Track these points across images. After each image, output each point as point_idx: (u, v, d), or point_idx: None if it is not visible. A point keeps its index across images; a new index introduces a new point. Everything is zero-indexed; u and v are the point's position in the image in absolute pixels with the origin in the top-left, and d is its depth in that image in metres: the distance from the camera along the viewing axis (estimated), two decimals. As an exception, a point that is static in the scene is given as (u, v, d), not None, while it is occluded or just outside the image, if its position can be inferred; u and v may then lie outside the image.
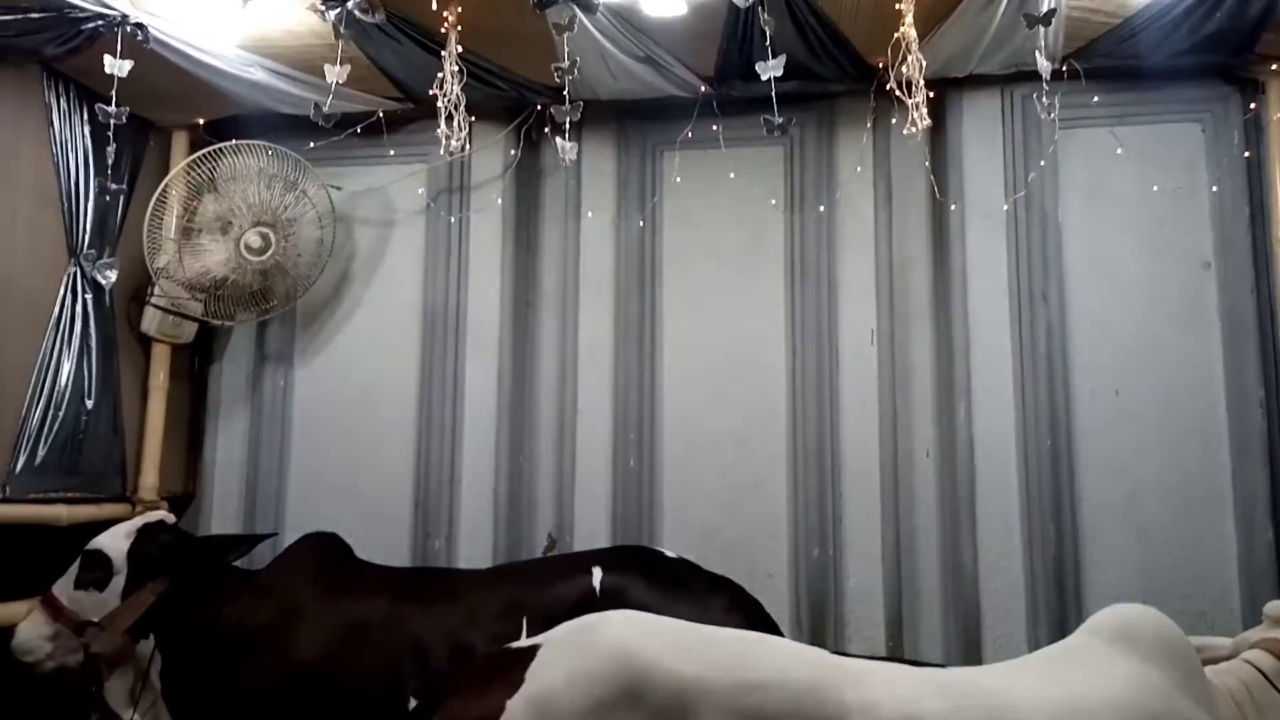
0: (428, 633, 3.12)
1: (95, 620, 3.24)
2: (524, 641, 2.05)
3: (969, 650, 3.68)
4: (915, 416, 3.91)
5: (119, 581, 3.27)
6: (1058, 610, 3.66)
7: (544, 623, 2.85)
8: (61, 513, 3.56)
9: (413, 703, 2.99)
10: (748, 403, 4.02)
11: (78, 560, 3.34)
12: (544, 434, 4.13)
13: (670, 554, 3.46)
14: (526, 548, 4.02)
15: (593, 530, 3.98)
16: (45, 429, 3.46)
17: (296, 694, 3.13)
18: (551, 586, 3.20)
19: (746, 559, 3.88)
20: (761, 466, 3.98)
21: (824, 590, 3.85)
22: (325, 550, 3.52)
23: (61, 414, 3.51)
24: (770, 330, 4.03)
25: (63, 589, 3.29)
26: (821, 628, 3.78)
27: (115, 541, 3.34)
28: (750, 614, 3.17)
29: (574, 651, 1.91)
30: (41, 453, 3.45)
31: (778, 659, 1.96)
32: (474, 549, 4.02)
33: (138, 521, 3.44)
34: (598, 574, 3.20)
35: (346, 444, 4.17)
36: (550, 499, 4.08)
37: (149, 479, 3.93)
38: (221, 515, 4.21)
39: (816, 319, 3.99)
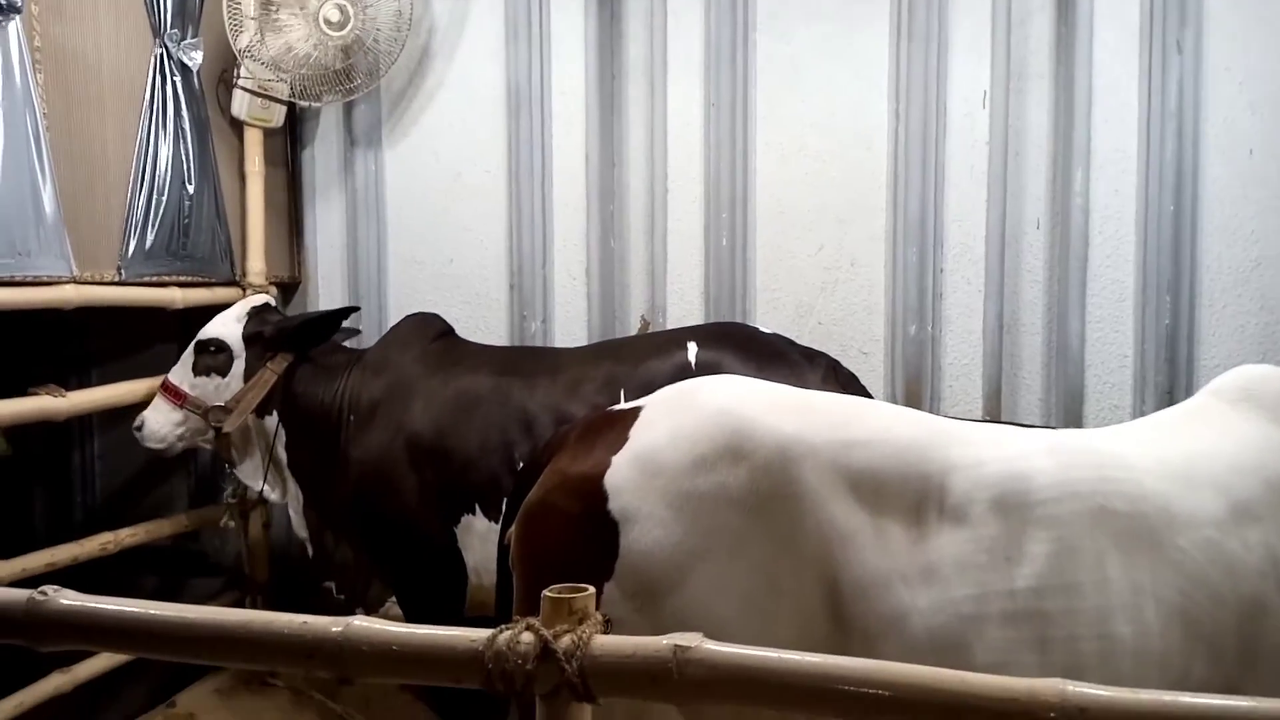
0: (532, 404, 3.24)
1: (220, 404, 3.42)
2: (626, 404, 2.07)
3: (1070, 424, 3.63)
4: (1027, 185, 3.69)
5: (239, 365, 3.43)
6: (1167, 383, 3.56)
7: (640, 396, 2.90)
8: (176, 296, 3.70)
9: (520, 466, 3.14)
10: (846, 176, 3.85)
11: (191, 348, 3.48)
12: (634, 215, 4.05)
13: (765, 329, 3.46)
14: (620, 329, 4.05)
15: (685, 311, 3.97)
16: (151, 213, 3.53)
17: (412, 460, 3.31)
18: (647, 361, 3.25)
19: (840, 337, 3.84)
20: (859, 243, 3.86)
21: (920, 367, 3.80)
22: (429, 329, 3.63)
23: (165, 198, 3.57)
24: (872, 97, 3.79)
25: (182, 377, 3.45)
26: (917, 404, 3.75)
27: (228, 327, 3.47)
28: (846, 385, 3.17)
29: (676, 410, 1.92)
30: (150, 237, 3.54)
31: (881, 418, 1.95)
32: (569, 331, 4.07)
33: (242, 306, 3.56)
34: (693, 348, 3.23)
35: (440, 227, 4.18)
36: (642, 280, 4.06)
37: (255, 264, 4.03)
38: (328, 299, 4.32)
39: (924, 81, 3.73)
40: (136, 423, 3.47)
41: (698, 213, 3.96)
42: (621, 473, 1.82)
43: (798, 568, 1.75)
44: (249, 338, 3.47)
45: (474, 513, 3.24)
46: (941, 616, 1.72)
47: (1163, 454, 1.91)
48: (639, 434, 1.88)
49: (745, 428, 1.82)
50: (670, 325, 3.93)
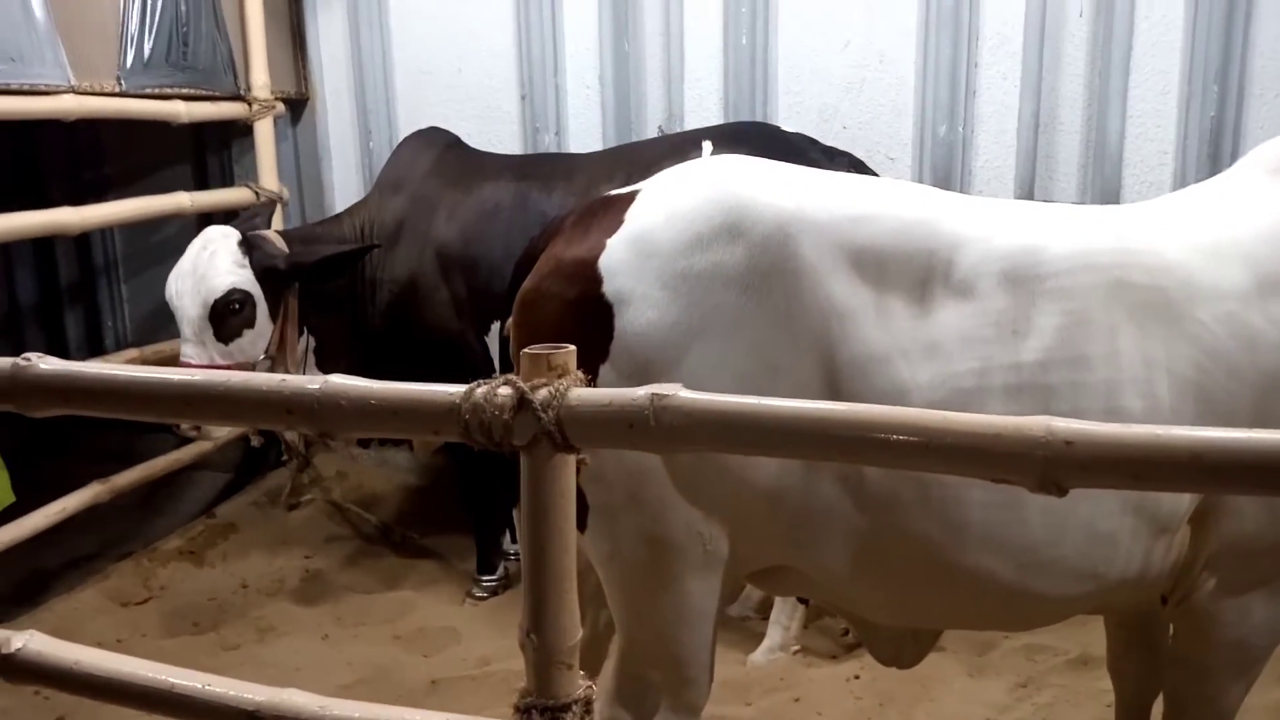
0: (551, 207, 3.18)
1: (262, 355, 3.15)
2: (624, 189, 1.99)
3: (1104, 225, 3.50)
4: (1071, -35, 3.43)
5: (263, 308, 3.15)
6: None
7: (654, 196, 2.83)
8: (180, 109, 3.62)
9: None
10: (875, -37, 3.59)
11: (198, 319, 3.10)
12: (649, 14, 3.84)
13: (786, 128, 3.32)
14: (637, 138, 3.90)
15: (703, 120, 3.80)
16: (146, 20, 3.40)
17: (442, 270, 3.29)
18: (663, 161, 3.13)
19: (865, 142, 3.68)
20: (888, 38, 3.63)
21: (950, 171, 3.65)
22: (437, 141, 3.54)
23: (159, 5, 3.44)
24: None
25: (209, 353, 3.11)
26: (945, 210, 3.62)
27: (235, 274, 3.11)
28: (868, 185, 3.06)
29: (673, 191, 1.84)
30: (148, 47, 3.43)
31: (885, 193, 1.85)
32: (584, 143, 3.94)
33: (222, 243, 3.16)
34: (708, 148, 3.12)
35: (447, 34, 4.01)
36: (659, 87, 3.88)
37: (259, 77, 3.92)
38: (336, 116, 4.23)
39: None
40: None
41: (716, 9, 3.74)
42: (616, 254, 1.76)
43: (795, 346, 1.70)
44: (262, 276, 3.13)
45: (504, 320, 3.23)
46: (942, 391, 1.68)
47: (1190, 225, 1.81)
48: (635, 216, 1.81)
49: (743, 205, 1.74)
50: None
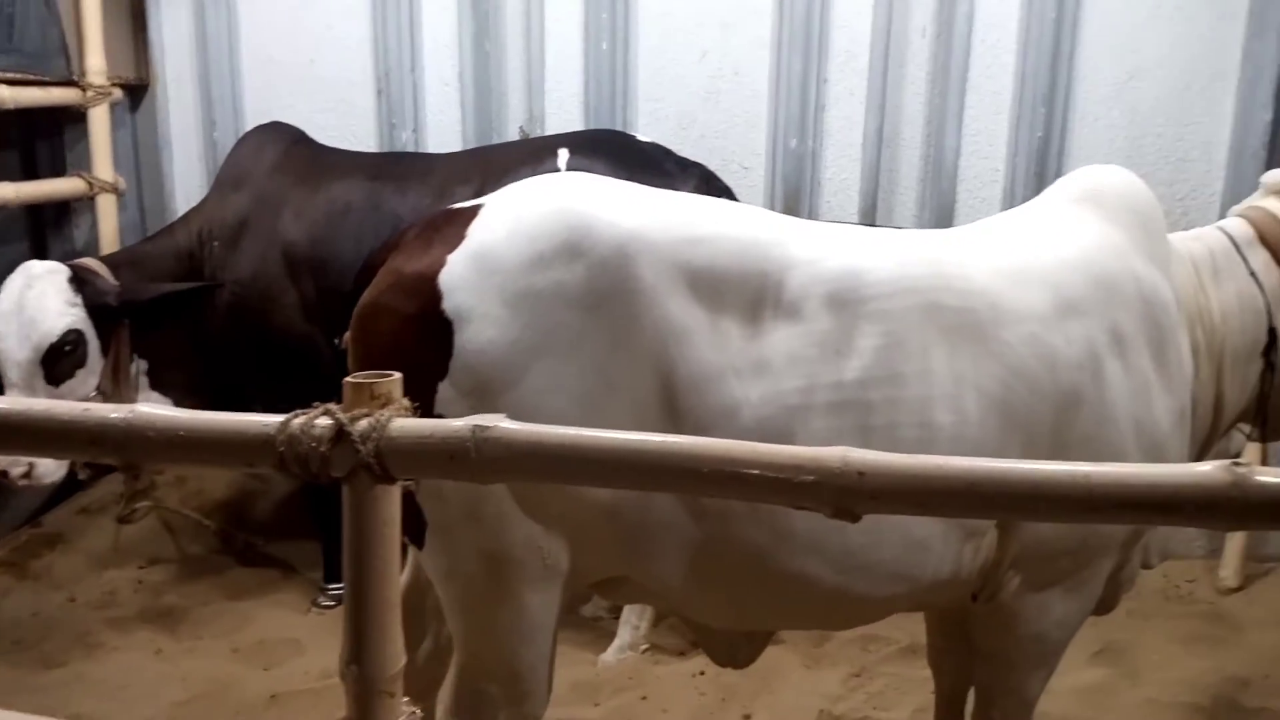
0: (405, 210, 3.14)
1: (92, 392, 3.04)
2: (467, 202, 1.99)
3: (941, 238, 3.68)
4: (913, -12, 3.59)
5: (95, 345, 3.04)
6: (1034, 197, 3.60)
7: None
8: (4, 94, 3.39)
9: None
10: (731, -24, 3.67)
11: (28, 361, 2.94)
12: (510, 13, 3.82)
13: (642, 137, 3.36)
14: (497, 139, 3.87)
15: (564, 122, 3.82)
16: (-38, -2, 3.17)
17: (290, 272, 3.19)
18: (519, 168, 3.14)
19: (722, 151, 3.76)
20: (743, 50, 3.72)
21: (799, 182, 3.77)
22: (282, 136, 3.42)
23: (-22, -18, 3.21)
24: (758, -110, 3.58)
25: (38, 397, 2.90)
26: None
27: (67, 315, 2.98)
28: (719, 198, 3.12)
29: (515, 208, 1.85)
30: (-36, 26, 3.20)
31: (722, 216, 1.90)
32: (443, 141, 3.89)
33: (48, 282, 3.00)
34: (564, 155, 3.13)
35: (298, 23, 3.88)
36: (520, 88, 3.87)
37: (95, 61, 3.70)
38: (179, 104, 4.03)
39: (810, -127, 3.53)
40: (20, 470, 2.95)
41: (577, 13, 3.75)
42: (457, 271, 1.75)
43: (633, 364, 1.74)
44: (94, 312, 3.02)
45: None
46: (770, 408, 1.75)
47: (999, 251, 1.94)
48: (477, 231, 1.80)
49: (584, 225, 1.76)
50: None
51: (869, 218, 3.73)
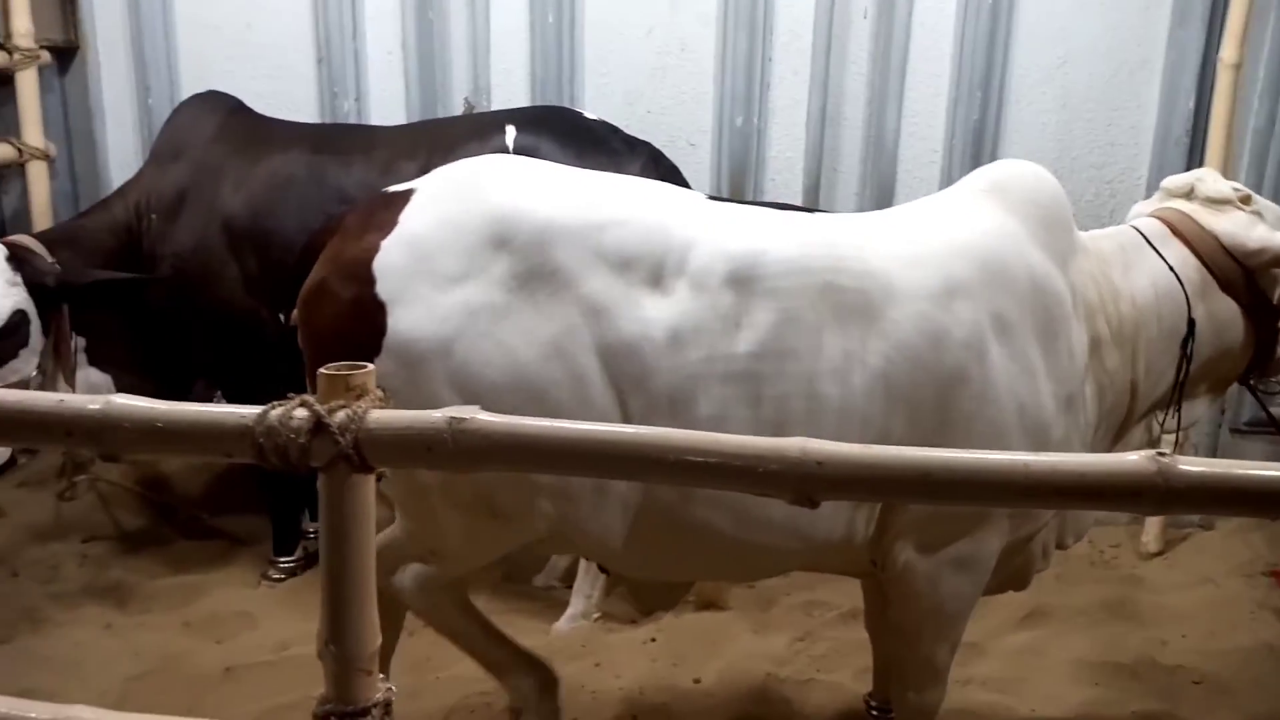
0: (349, 183, 3.12)
1: (33, 371, 3.02)
2: (400, 186, 2.07)
3: (880, 216, 3.78)
4: (855, -30, 3.65)
5: (36, 325, 3.00)
6: (971, 178, 3.72)
7: (458, 178, 2.83)
8: (-77, 57, 3.26)
9: None
10: (678, -50, 3.69)
11: None
12: (455, -17, 3.78)
13: (590, 115, 3.37)
14: (443, 111, 3.85)
15: (510, 94, 3.81)
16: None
17: (231, 245, 3.15)
18: (466, 144, 3.14)
19: (668, 128, 3.79)
20: (690, 27, 3.75)
21: (745, 160, 3.83)
22: (219, 105, 3.36)
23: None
24: None
25: None
26: (740, 196, 3.80)
27: (9, 296, 2.93)
28: (666, 176, 3.16)
29: (442, 197, 1.98)
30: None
31: (633, 199, 2.03)
32: (387, 112, 3.85)
33: None
34: (511, 133, 3.14)
35: (236, -13, 3.80)
36: (464, 59, 3.84)
37: (21, 23, 3.58)
38: (110, 68, 3.92)
39: None
40: None
41: (522, -18, 3.74)
42: (389, 257, 1.90)
43: (565, 336, 1.87)
44: (35, 292, 2.98)
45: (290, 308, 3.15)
46: (677, 377, 1.88)
47: (898, 236, 2.05)
48: (408, 219, 1.94)
49: (505, 214, 1.91)
50: (496, 109, 3.78)
51: (812, 195, 3.82)
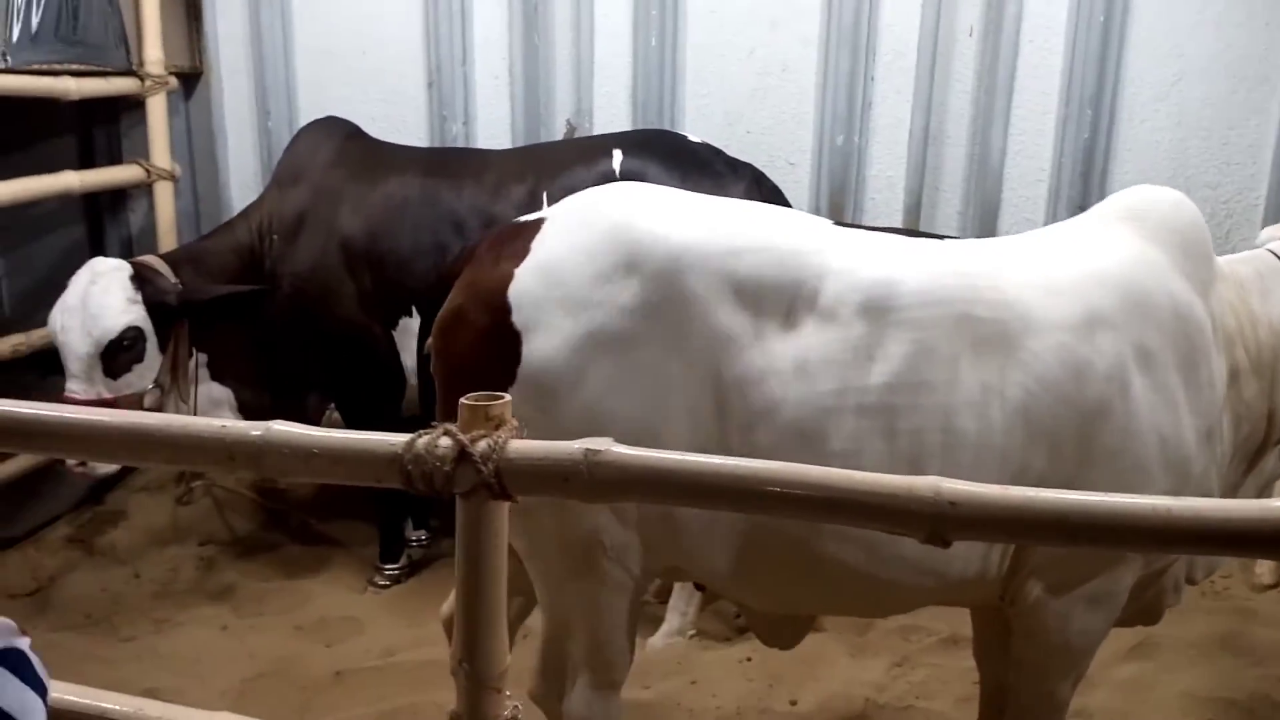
0: (460, 206, 3.22)
1: (150, 386, 3.16)
2: (531, 215, 2.11)
3: (985, 236, 3.73)
4: (963, -9, 3.61)
5: (153, 343, 3.15)
6: (1080, 198, 3.64)
7: (565, 201, 2.91)
8: (70, 86, 3.48)
9: None
10: (780, -27, 3.71)
11: (87, 354, 3.05)
12: (559, 9, 3.87)
13: (693, 138, 3.42)
14: (545, 134, 3.94)
15: (612, 117, 3.88)
16: (35, -7, 3.26)
17: (348, 265, 3.28)
18: (573, 168, 3.22)
19: (768, 147, 3.81)
20: (791, 48, 3.77)
21: (845, 178, 3.82)
22: (337, 131, 3.50)
23: (50, -23, 3.29)
24: (810, -110, 3.61)
25: (95, 388, 3.06)
26: (840, 214, 3.80)
27: (129, 312, 3.09)
28: (769, 198, 3.19)
29: (575, 224, 1.99)
30: (36, 20, 3.28)
31: (766, 226, 2.01)
32: (493, 134, 3.96)
33: (112, 278, 3.12)
34: (618, 156, 3.20)
35: (351, 16, 3.95)
36: (568, 82, 3.93)
37: (153, 52, 3.79)
38: (233, 93, 4.11)
39: (863, -124, 3.55)
40: (76, 459, 2.96)
41: (626, 7, 3.81)
42: (523, 285, 1.91)
43: (686, 367, 1.86)
44: (154, 311, 3.12)
45: (410, 315, 3.27)
46: (806, 409, 1.86)
47: (1035, 264, 1.99)
48: (540, 247, 1.95)
49: (638, 240, 1.90)
50: (597, 130, 3.86)
51: (913, 215, 3.78)
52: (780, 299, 1.89)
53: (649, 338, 1.86)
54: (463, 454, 1.26)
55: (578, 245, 1.92)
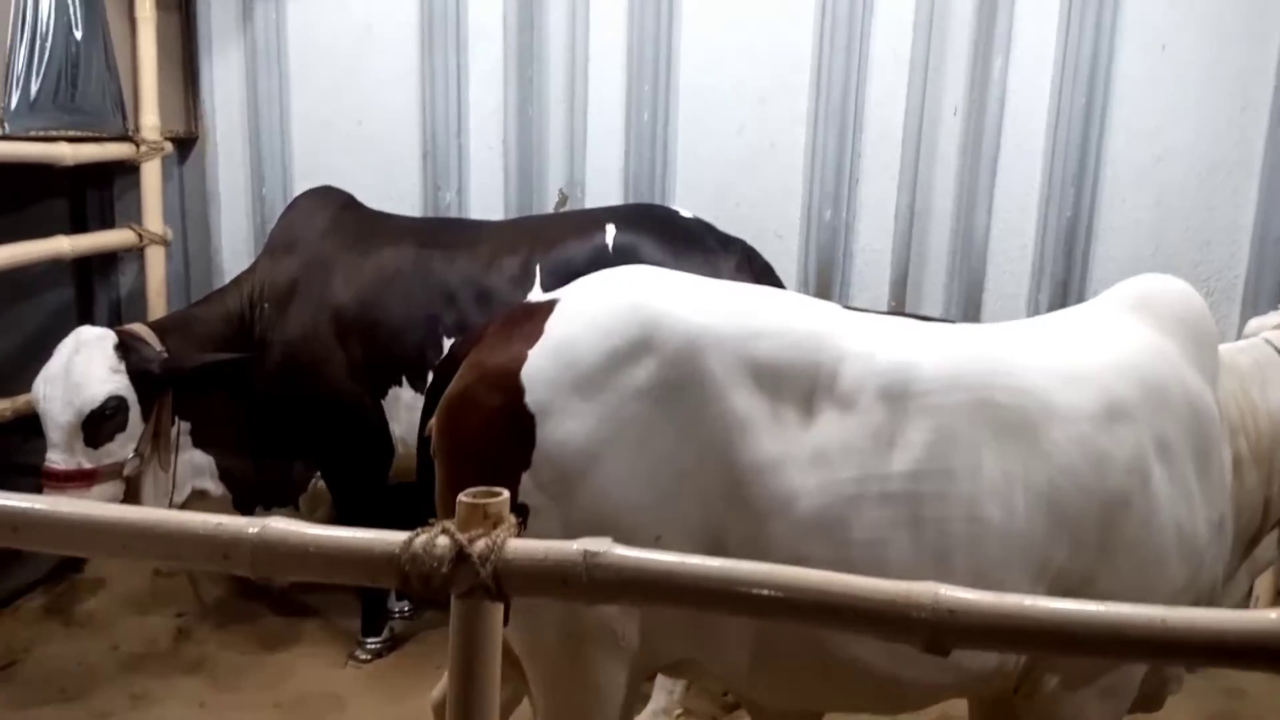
0: (453, 277, 3.24)
1: (129, 455, 3.11)
2: (544, 296, 2.09)
3: (970, 312, 3.78)
4: (948, 71, 3.70)
5: (135, 411, 3.11)
6: (1063, 274, 3.71)
7: (557, 277, 2.93)
8: (65, 152, 3.50)
9: (447, 341, 3.17)
10: (770, 54, 3.79)
11: (69, 424, 3.00)
12: (554, 83, 3.94)
13: (685, 213, 3.46)
14: (538, 204, 3.99)
15: (604, 188, 3.93)
16: (35, 61, 3.29)
17: (338, 334, 3.28)
18: (566, 241, 3.25)
19: (757, 220, 3.86)
20: (780, 124, 3.84)
21: (833, 252, 3.87)
22: (331, 201, 3.53)
23: (49, 45, 3.32)
24: (800, -27, 3.71)
25: (75, 458, 3.01)
26: (827, 288, 3.85)
27: (112, 380, 3.05)
28: (760, 274, 3.23)
29: (590, 304, 1.95)
30: (35, 88, 3.31)
31: (782, 310, 2.00)
32: (485, 204, 4.00)
33: (96, 348, 3.09)
34: (611, 231, 3.23)
35: (348, 86, 4.00)
36: (561, 153, 3.98)
37: (149, 118, 3.82)
38: (228, 159, 4.15)
39: (851, -38, 3.66)
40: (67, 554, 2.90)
41: (619, 84, 3.88)
42: (537, 365, 1.85)
43: (700, 452, 1.82)
44: (137, 380, 3.09)
45: (400, 384, 3.27)
46: (826, 497, 1.82)
47: (1052, 352, 2.00)
48: (554, 327, 1.90)
49: (655, 320, 1.86)
50: (589, 202, 3.91)
51: (899, 289, 3.83)
52: (798, 383, 1.86)
53: (664, 422, 1.82)
54: (460, 554, 1.24)
55: (595, 324, 1.87)
